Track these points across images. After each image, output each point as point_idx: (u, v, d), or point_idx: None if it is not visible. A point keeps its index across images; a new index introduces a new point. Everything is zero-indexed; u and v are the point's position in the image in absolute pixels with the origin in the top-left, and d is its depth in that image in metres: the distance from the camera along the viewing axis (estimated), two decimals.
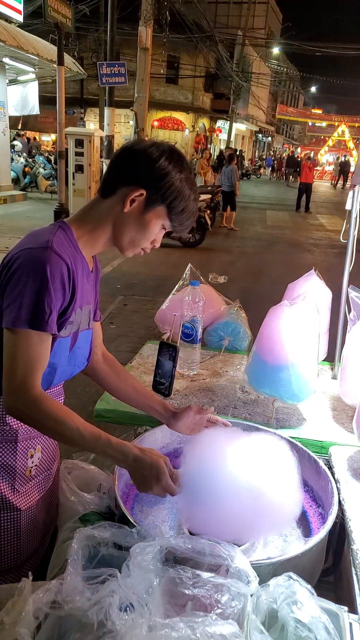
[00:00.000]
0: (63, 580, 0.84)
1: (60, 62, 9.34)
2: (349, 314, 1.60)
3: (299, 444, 1.34)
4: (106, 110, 11.49)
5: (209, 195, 10.31)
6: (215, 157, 21.13)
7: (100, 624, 0.79)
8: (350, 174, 25.16)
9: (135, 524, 1.04)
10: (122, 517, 1.09)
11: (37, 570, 1.25)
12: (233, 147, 26.51)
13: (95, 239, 1.17)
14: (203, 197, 9.74)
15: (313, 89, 46.16)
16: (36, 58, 10.90)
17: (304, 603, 0.87)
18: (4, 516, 1.18)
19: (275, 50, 33.39)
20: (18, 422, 1.18)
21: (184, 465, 1.09)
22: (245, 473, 1.02)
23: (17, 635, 0.75)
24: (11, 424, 1.17)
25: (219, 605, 0.85)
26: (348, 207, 1.70)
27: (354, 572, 1.07)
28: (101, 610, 0.79)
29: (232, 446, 1.08)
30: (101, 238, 1.17)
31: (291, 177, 29.16)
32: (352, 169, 25.04)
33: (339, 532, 1.44)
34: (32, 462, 1.22)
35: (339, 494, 1.19)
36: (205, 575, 0.88)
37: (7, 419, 1.16)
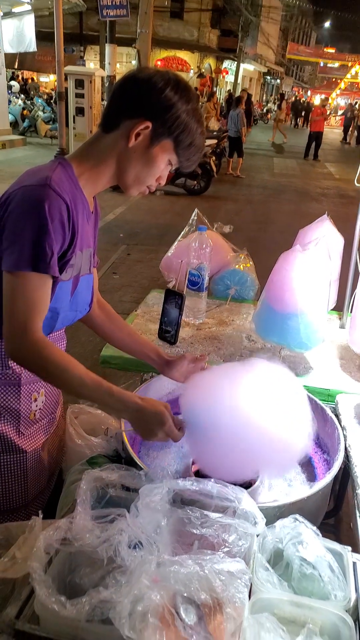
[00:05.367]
0: (73, 519, 0.85)
1: None
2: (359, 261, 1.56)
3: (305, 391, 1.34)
4: (107, 48, 10.89)
5: (215, 141, 9.94)
6: (222, 101, 20.18)
7: (109, 560, 0.81)
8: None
9: (142, 466, 1.05)
10: (129, 460, 1.10)
11: (44, 510, 1.29)
12: (240, 90, 25.27)
13: (98, 176, 1.11)
14: (208, 142, 9.39)
15: (326, 24, 43.42)
16: None
17: (309, 543, 0.89)
18: (10, 458, 1.20)
19: None
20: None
21: (185, 406, 1.07)
22: (250, 409, 0.99)
23: (30, 569, 0.77)
24: (14, 367, 1.16)
25: (226, 544, 0.87)
26: None
27: (358, 514, 1.09)
28: (110, 547, 0.81)
29: (232, 382, 1.04)
30: (104, 175, 1.12)
31: (292, 122, 27.14)
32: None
33: (342, 477, 1.47)
34: (36, 406, 1.23)
35: (345, 440, 1.20)
36: (213, 515, 0.89)
37: (9, 362, 1.15)
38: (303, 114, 29.13)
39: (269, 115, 31.78)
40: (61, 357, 1.01)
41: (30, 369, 1.07)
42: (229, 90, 23.83)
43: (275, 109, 21.18)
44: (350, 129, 23.74)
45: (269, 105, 34.11)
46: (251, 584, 0.82)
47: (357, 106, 26.19)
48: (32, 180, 1.02)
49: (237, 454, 1.00)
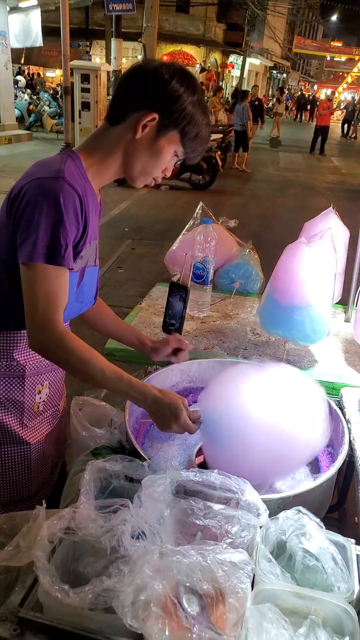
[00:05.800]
0: (76, 509, 0.85)
1: None
2: None
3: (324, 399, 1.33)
4: (113, 42, 10.85)
5: (220, 135, 9.90)
6: (227, 96, 20.03)
7: (112, 550, 0.81)
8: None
9: (146, 457, 1.05)
10: (133, 451, 1.10)
11: (47, 501, 1.30)
12: (246, 84, 25.04)
13: (105, 168, 1.12)
14: (214, 136, 9.35)
15: (333, 17, 42.87)
16: None
17: (313, 535, 0.89)
18: (14, 449, 1.21)
19: None
20: (26, 357, 1.17)
21: (204, 402, 1.09)
22: (266, 411, 1.00)
23: (33, 557, 0.78)
24: (19, 359, 1.16)
25: (229, 535, 0.87)
26: None
27: None
28: (114, 537, 0.81)
29: (253, 383, 1.06)
30: (111, 168, 1.12)
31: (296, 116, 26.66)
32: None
33: (346, 471, 1.47)
34: (40, 398, 1.23)
35: (349, 433, 1.19)
36: (216, 507, 0.89)
37: (14, 354, 1.16)
38: (309, 107, 28.87)
39: (274, 110, 31.53)
40: (84, 349, 1.02)
41: (53, 361, 1.08)
42: (237, 84, 23.51)
43: (275, 102, 20.87)
44: (353, 123, 23.38)
45: (274, 99, 33.89)
46: (254, 575, 0.82)
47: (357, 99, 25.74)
48: (44, 172, 1.02)
49: (250, 455, 1.01)
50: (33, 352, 1.17)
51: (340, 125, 24.38)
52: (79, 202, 1.02)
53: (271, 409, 1.01)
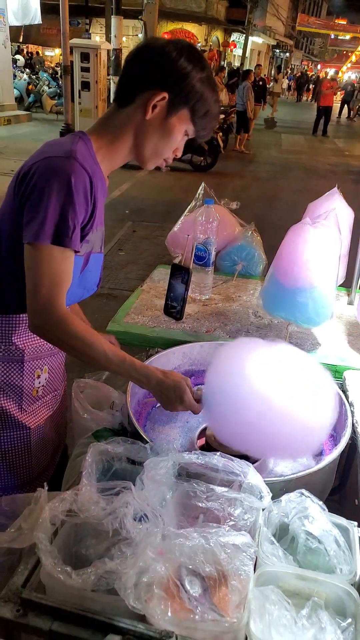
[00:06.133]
0: (78, 491, 0.85)
1: None
2: None
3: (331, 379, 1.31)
4: (113, 20, 10.59)
5: (222, 116, 9.74)
6: (226, 75, 19.65)
7: (115, 532, 0.81)
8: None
9: (148, 440, 1.04)
10: (135, 433, 1.09)
11: (49, 485, 1.30)
12: (249, 64, 24.51)
13: (115, 151, 1.10)
14: None
15: None
16: None
17: (315, 517, 0.89)
18: (13, 434, 1.20)
19: None
20: (25, 342, 1.16)
21: (208, 380, 1.08)
22: (270, 388, 0.99)
23: (35, 539, 0.77)
24: (17, 343, 1.15)
25: (232, 518, 0.86)
26: None
27: None
28: (116, 520, 0.81)
29: (256, 359, 1.04)
30: (121, 151, 1.10)
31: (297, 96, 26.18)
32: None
33: (347, 454, 1.46)
34: (39, 383, 1.22)
35: (352, 416, 1.19)
36: (219, 489, 0.89)
37: (13, 338, 1.14)
38: (311, 87, 28.31)
39: (270, 89, 30.90)
40: (86, 332, 1.01)
41: (55, 344, 1.07)
42: (233, 63, 22.92)
43: (273, 81, 20.42)
44: (351, 103, 22.73)
45: (272, 79, 33.29)
46: (256, 558, 0.82)
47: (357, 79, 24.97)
48: (55, 151, 1.00)
49: (255, 432, 1.00)
50: (32, 336, 1.16)
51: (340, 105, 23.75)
52: (89, 184, 1.01)
53: (273, 389, 0.99)
